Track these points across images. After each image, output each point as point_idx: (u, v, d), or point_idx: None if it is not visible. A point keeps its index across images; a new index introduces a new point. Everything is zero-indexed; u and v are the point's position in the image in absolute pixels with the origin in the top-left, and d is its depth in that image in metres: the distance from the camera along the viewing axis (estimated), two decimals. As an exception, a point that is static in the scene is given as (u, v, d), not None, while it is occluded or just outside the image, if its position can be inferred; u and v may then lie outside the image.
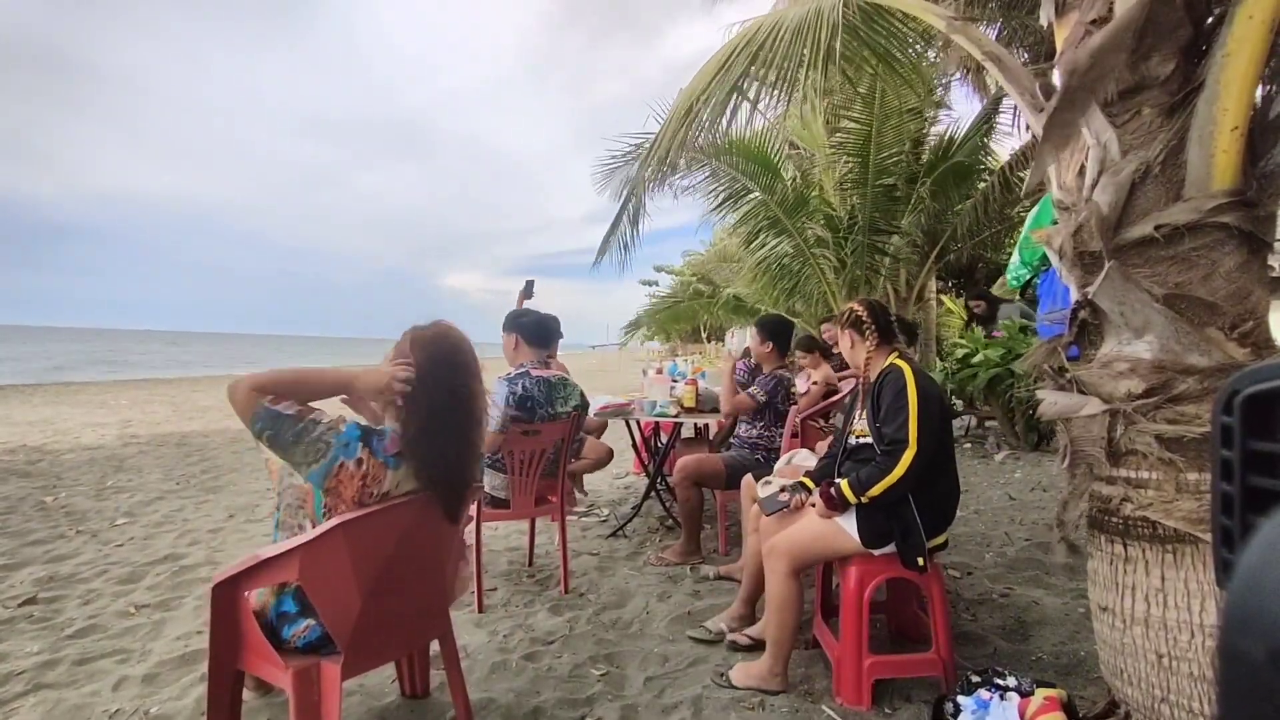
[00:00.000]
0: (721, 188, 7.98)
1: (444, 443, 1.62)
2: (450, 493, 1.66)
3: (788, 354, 3.62)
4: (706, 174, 7.75)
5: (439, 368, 1.64)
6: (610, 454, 4.36)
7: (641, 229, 5.38)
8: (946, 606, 2.11)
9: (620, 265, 6.01)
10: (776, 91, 2.83)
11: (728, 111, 2.96)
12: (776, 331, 3.58)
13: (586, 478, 4.79)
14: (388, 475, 1.57)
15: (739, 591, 2.60)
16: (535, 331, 3.12)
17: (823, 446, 2.91)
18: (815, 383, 4.56)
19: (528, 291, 4.67)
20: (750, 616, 2.56)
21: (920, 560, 2.00)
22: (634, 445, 4.51)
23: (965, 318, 8.06)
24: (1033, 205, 3.10)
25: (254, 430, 1.50)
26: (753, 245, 8.61)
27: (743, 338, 5.72)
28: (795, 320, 10.81)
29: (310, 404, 1.56)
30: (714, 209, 8.22)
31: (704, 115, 2.91)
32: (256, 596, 1.67)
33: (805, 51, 2.51)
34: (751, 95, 2.92)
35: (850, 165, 7.92)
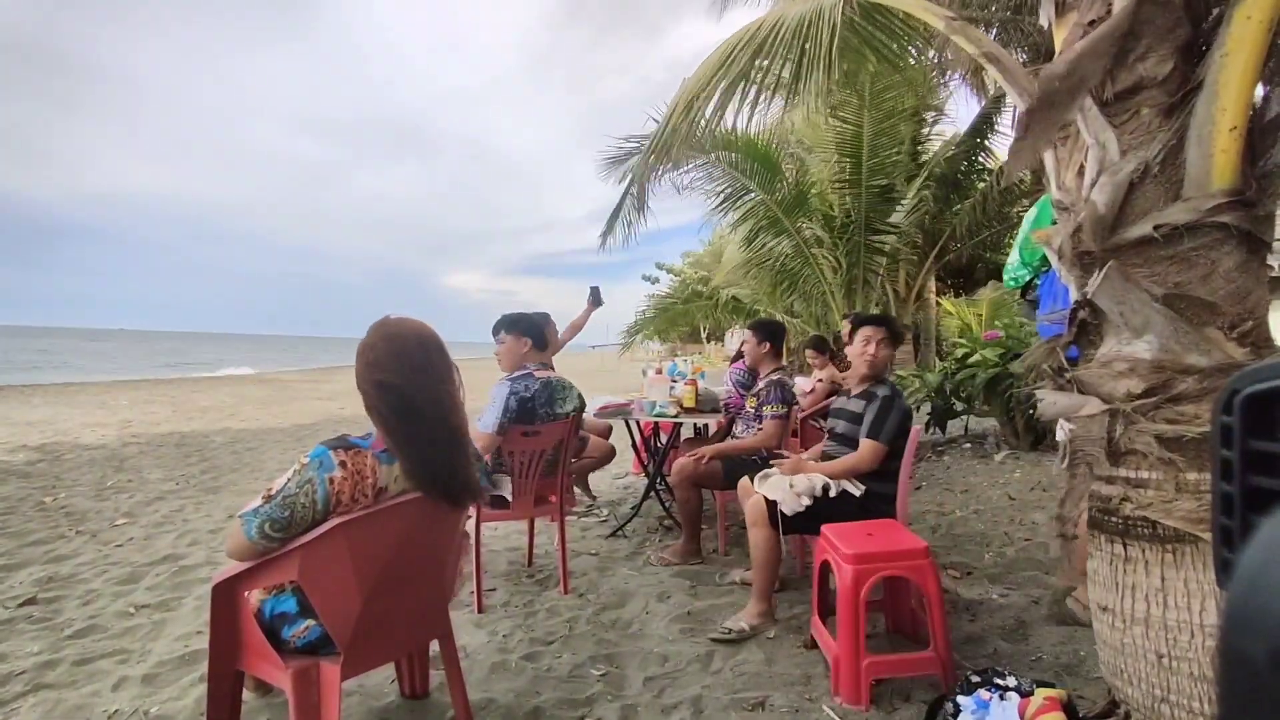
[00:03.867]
0: (722, 186, 7.99)
1: (426, 442, 1.58)
2: (444, 492, 1.62)
3: (780, 355, 3.65)
4: (707, 172, 7.75)
5: (399, 366, 1.58)
6: (612, 451, 4.35)
7: (646, 215, 5.38)
8: (944, 605, 2.11)
9: (624, 242, 5.97)
10: (777, 89, 2.85)
11: (729, 107, 2.97)
12: (772, 333, 3.62)
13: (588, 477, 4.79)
14: (382, 469, 1.57)
15: (754, 588, 2.59)
16: (540, 333, 3.15)
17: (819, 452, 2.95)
18: (820, 380, 4.59)
19: (596, 299, 4.43)
20: (771, 613, 2.57)
21: None
22: (634, 445, 4.51)
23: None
24: (1031, 205, 3.10)
25: (259, 536, 1.48)
26: (754, 244, 8.62)
27: (741, 337, 5.77)
28: (795, 320, 10.83)
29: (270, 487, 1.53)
30: (716, 208, 8.24)
31: (705, 110, 2.93)
32: (255, 596, 1.67)
33: (808, 45, 2.53)
34: (753, 92, 2.94)
35: (843, 165, 7.94)
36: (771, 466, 2.84)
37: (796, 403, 3.59)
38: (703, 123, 3.03)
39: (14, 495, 4.66)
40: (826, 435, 2.91)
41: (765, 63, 2.74)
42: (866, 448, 2.55)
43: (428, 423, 1.59)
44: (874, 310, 8.83)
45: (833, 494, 2.55)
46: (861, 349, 2.71)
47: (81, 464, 5.88)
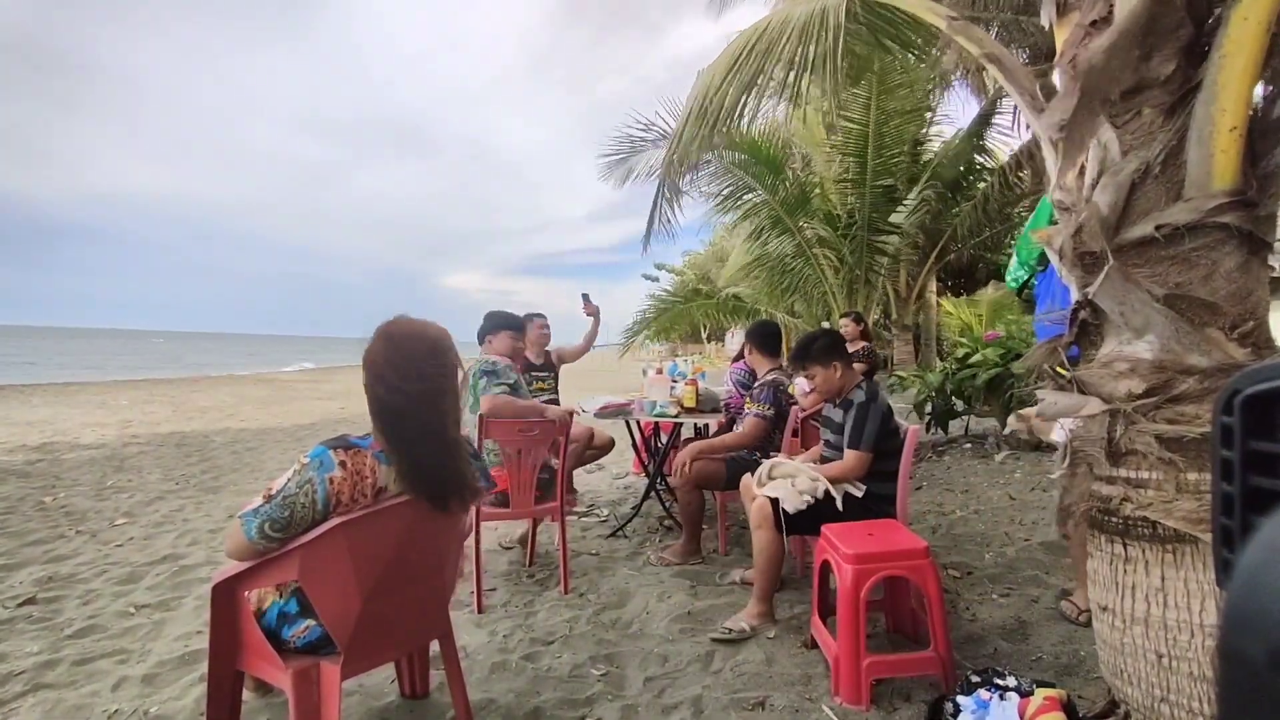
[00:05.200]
0: (724, 185, 8.00)
1: (418, 443, 1.57)
2: (436, 494, 1.60)
3: (778, 355, 3.66)
4: (710, 173, 7.76)
5: (407, 375, 1.56)
6: (610, 443, 4.31)
7: (679, 211, 5.47)
8: (944, 605, 2.11)
9: (669, 239, 6.04)
10: (784, 91, 2.86)
11: (744, 111, 2.99)
12: (765, 335, 3.65)
13: (588, 478, 4.78)
14: (381, 469, 1.56)
15: (755, 589, 2.59)
16: (482, 336, 3.50)
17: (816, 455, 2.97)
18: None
19: (588, 303, 4.54)
20: (771, 613, 2.57)
21: None
22: (634, 445, 4.50)
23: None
24: (1032, 206, 3.10)
25: (258, 536, 1.47)
26: (757, 243, 8.62)
27: (740, 338, 5.77)
28: (796, 320, 10.83)
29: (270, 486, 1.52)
30: (717, 206, 8.24)
31: (719, 115, 2.95)
32: (256, 597, 1.67)
33: (811, 49, 2.53)
34: (761, 96, 2.95)
35: (848, 165, 7.94)
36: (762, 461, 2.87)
37: (794, 403, 3.59)
38: (721, 130, 3.07)
39: (14, 495, 4.66)
40: (823, 442, 2.93)
41: (773, 66, 2.74)
42: (850, 458, 2.59)
43: (427, 430, 1.58)
44: (875, 310, 8.82)
45: (836, 499, 2.56)
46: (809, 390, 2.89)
47: (81, 464, 5.88)
